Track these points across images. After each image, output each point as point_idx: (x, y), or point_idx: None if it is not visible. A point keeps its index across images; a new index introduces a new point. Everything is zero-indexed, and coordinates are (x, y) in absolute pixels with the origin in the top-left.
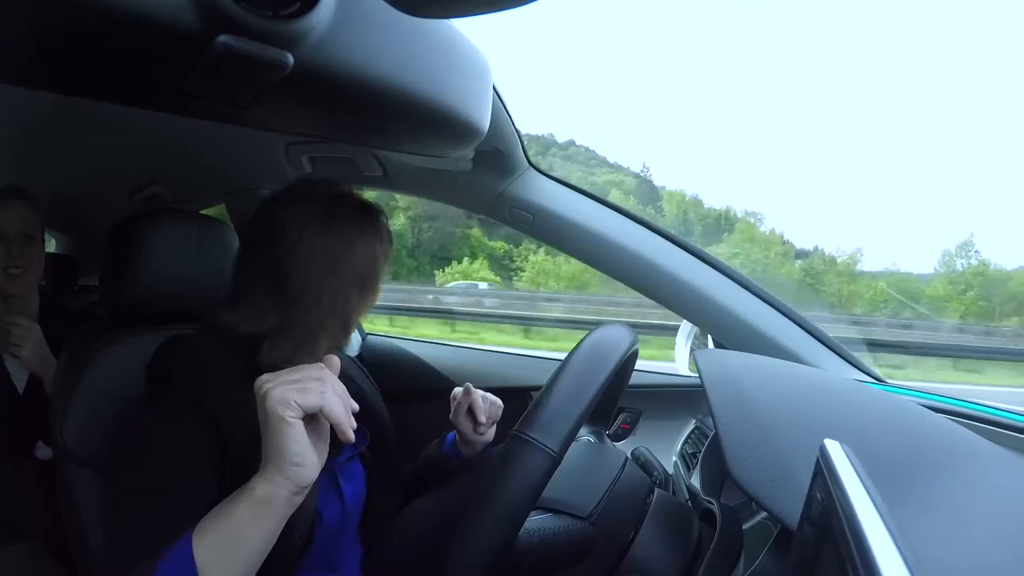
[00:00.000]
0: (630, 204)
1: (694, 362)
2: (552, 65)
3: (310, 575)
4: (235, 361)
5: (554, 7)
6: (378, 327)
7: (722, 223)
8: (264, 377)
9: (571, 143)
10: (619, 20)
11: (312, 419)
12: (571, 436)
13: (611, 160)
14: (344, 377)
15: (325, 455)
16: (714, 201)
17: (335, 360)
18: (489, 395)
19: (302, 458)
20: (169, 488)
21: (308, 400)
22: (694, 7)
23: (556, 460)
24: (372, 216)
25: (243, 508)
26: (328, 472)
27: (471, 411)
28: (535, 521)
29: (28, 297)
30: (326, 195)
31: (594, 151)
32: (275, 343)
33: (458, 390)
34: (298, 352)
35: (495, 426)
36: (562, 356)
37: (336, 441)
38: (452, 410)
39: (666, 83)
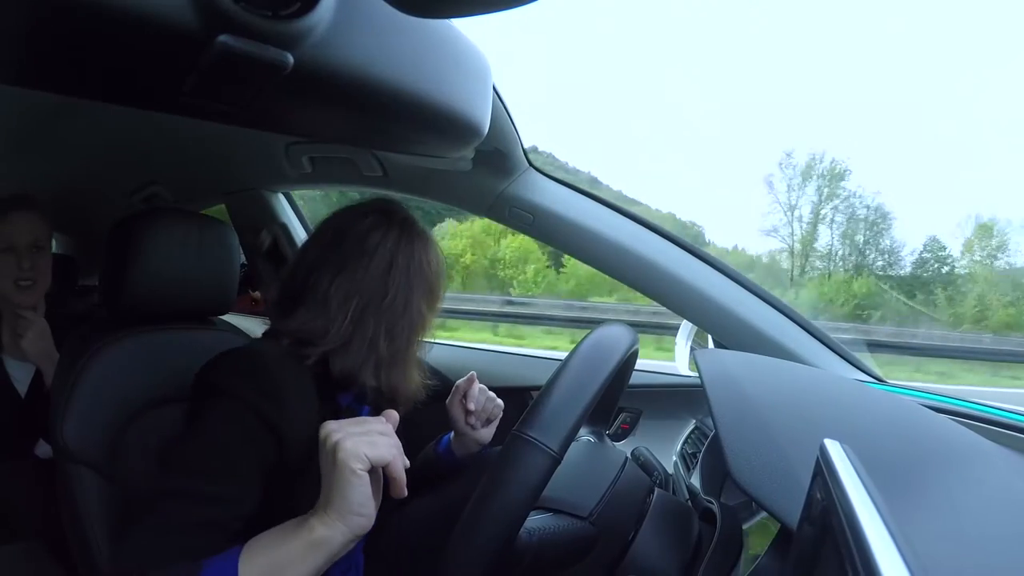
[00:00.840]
0: None
1: (694, 362)
2: (523, 71)
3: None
4: (298, 371)
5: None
6: None
7: None
8: (331, 426)
9: (533, 148)
10: (587, 27)
11: (371, 470)
12: (571, 435)
13: (570, 166)
14: None
15: (379, 503)
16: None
17: (394, 415)
18: (491, 392)
19: (365, 508)
20: (214, 497)
21: (378, 454)
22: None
23: (556, 459)
24: (430, 234)
25: (297, 544)
26: None
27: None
28: (535, 520)
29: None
30: (400, 214)
31: (555, 156)
32: (352, 355)
33: (462, 380)
34: (379, 369)
35: (493, 426)
36: (553, 355)
37: None
38: (449, 396)
39: (638, 90)
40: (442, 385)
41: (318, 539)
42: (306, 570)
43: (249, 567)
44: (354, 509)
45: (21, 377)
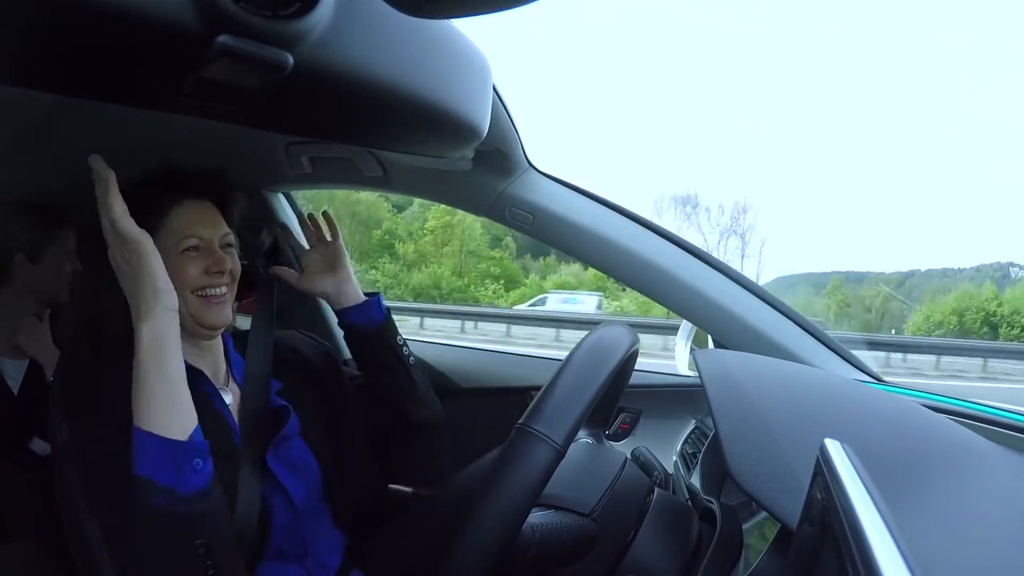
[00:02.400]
0: None
1: (694, 362)
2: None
3: (274, 564)
4: None
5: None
6: None
7: None
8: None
9: None
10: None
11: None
12: (575, 430)
13: None
14: (288, 347)
15: None
16: None
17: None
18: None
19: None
20: None
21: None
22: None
23: (560, 452)
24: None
25: (147, 365)
26: (258, 461)
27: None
28: (537, 516)
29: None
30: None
31: None
32: None
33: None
34: None
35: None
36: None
37: (268, 427)
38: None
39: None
40: (441, 384)
41: (154, 337)
42: (171, 369)
43: (145, 422)
44: (160, 285)
45: (14, 375)
